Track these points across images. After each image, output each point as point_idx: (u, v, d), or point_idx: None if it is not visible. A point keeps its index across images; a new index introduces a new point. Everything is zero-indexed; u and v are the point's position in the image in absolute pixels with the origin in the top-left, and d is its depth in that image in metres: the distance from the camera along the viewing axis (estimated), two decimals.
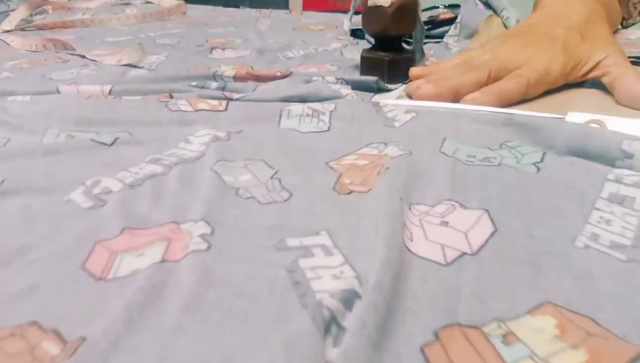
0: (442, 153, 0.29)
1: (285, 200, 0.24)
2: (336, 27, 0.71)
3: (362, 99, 0.38)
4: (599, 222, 0.22)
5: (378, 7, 0.41)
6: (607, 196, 0.24)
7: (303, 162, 0.28)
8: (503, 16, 0.57)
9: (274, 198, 0.24)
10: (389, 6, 0.41)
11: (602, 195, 0.24)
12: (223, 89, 0.39)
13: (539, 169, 0.27)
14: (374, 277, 0.18)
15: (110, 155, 0.29)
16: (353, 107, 0.34)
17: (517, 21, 0.55)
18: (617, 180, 0.25)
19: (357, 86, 0.41)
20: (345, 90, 0.38)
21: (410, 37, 0.47)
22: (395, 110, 0.34)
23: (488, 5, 0.61)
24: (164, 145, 0.29)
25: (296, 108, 0.33)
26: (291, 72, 0.43)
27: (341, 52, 0.55)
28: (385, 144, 0.29)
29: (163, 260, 0.19)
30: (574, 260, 0.20)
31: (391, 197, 0.23)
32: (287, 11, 0.92)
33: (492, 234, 0.22)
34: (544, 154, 0.28)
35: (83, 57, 0.54)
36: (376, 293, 0.17)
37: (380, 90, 0.41)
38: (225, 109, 0.34)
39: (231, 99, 0.35)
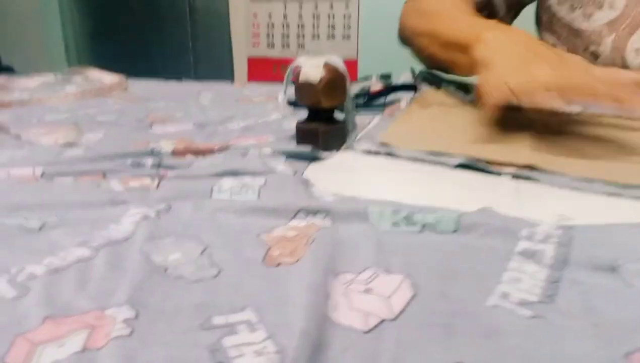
0: (367, 221, 0.30)
1: (214, 277, 0.25)
2: (276, 98, 0.73)
3: (296, 172, 0.39)
4: (509, 280, 0.24)
5: (309, 83, 0.44)
6: (519, 254, 0.26)
7: (233, 237, 0.28)
8: (449, 86, 0.62)
9: (203, 276, 0.25)
10: (319, 82, 0.43)
11: (515, 253, 0.26)
12: (159, 165, 0.40)
13: (456, 231, 0.29)
14: (292, 351, 0.18)
15: (38, 241, 0.28)
16: (283, 182, 0.35)
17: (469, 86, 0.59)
18: (529, 238, 0.27)
19: (292, 156, 0.42)
20: (278, 163, 0.39)
21: (342, 109, 0.49)
22: (322, 187, 0.35)
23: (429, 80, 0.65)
24: (94, 227, 0.29)
25: (227, 183, 0.34)
26: (229, 145, 0.45)
27: (280, 123, 0.57)
28: (313, 214, 0.31)
29: (84, 349, 0.19)
30: (485, 319, 0.21)
31: (316, 268, 0.24)
32: (230, 83, 0.95)
33: (412, 298, 0.23)
34: (459, 215, 0.30)
35: (18, 137, 0.53)
36: None
37: (314, 159, 0.43)
38: (157, 187, 0.34)
39: (164, 177, 0.36)
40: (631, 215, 0.30)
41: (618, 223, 0.28)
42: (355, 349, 0.20)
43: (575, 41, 0.63)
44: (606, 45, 0.60)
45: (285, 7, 1.88)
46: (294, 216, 0.31)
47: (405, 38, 0.70)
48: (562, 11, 0.65)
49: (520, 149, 0.41)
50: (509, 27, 0.55)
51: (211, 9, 2.13)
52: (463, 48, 0.53)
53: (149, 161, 0.40)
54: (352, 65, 1.82)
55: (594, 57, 0.61)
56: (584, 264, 0.25)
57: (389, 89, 0.63)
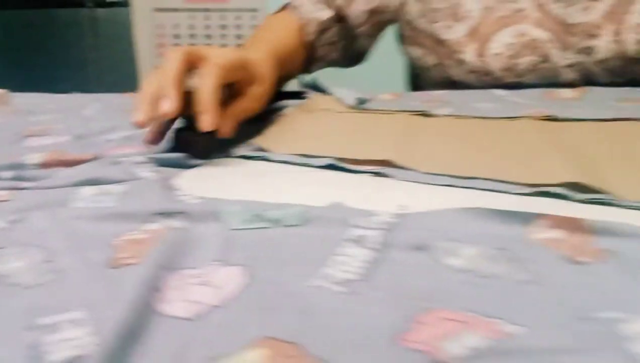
0: (220, 221, 0.32)
1: (52, 281, 0.25)
2: None
3: (165, 178, 0.40)
4: (334, 263, 0.27)
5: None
6: (348, 240, 0.29)
7: (82, 242, 0.29)
8: (335, 94, 0.65)
9: (40, 281, 0.25)
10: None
11: (344, 240, 0.29)
12: (20, 178, 0.39)
13: (300, 225, 0.31)
14: (110, 342, 0.20)
15: None
16: (146, 188, 0.36)
17: (359, 100, 0.62)
18: (360, 226, 0.30)
19: (165, 163, 0.43)
20: (144, 171, 0.40)
21: None
22: (187, 193, 0.36)
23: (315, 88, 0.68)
24: None
25: (86, 191, 0.35)
26: (103, 155, 0.45)
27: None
28: (170, 216, 0.32)
29: None
30: (302, 298, 0.24)
31: (153, 266, 0.25)
32: (121, 94, 0.93)
33: (245, 286, 0.25)
34: (304, 210, 0.32)
35: None
36: (115, 358, 0.19)
37: (187, 166, 0.44)
38: (13, 199, 0.34)
39: (22, 188, 0.36)
40: (464, 203, 0.34)
41: (441, 209, 0.32)
42: (175, 336, 0.21)
43: (441, 50, 0.69)
44: (469, 53, 0.66)
45: (191, 17, 1.86)
46: (149, 219, 0.32)
47: None
48: (423, 24, 0.70)
49: (383, 148, 0.44)
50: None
51: (114, 20, 2.06)
52: None
53: (8, 174, 0.39)
54: None
55: (460, 64, 0.67)
56: (402, 246, 0.28)
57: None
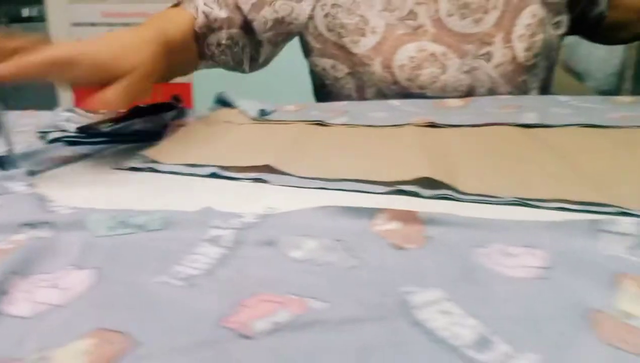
0: (85, 228, 0.33)
1: None
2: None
3: (36, 192, 0.40)
4: (187, 261, 0.29)
5: None
6: (205, 240, 0.31)
7: None
8: (239, 107, 0.67)
9: None
10: None
11: (202, 240, 0.31)
12: None
13: (162, 229, 0.33)
14: None
15: None
16: (16, 201, 0.37)
17: (262, 111, 0.64)
18: (220, 227, 0.33)
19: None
20: (17, 185, 0.41)
21: None
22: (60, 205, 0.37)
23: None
24: None
25: None
26: None
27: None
28: (37, 227, 0.33)
29: None
30: (148, 292, 0.26)
31: (3, 272, 0.27)
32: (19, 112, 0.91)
33: (93, 286, 0.27)
34: (166, 216, 0.34)
35: None
36: None
37: None
38: None
39: None
40: (329, 203, 0.37)
41: (299, 209, 0.35)
42: (13, 332, 0.23)
43: (353, 59, 0.73)
44: (377, 65, 0.71)
45: (108, 29, 1.83)
46: (17, 231, 0.33)
47: None
48: (334, 37, 0.74)
49: (266, 155, 0.47)
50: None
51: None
52: None
53: None
54: (185, 88, 1.83)
55: (371, 74, 0.72)
56: (253, 242, 0.31)
57: (139, 110, 0.63)
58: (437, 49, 0.69)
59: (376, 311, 0.23)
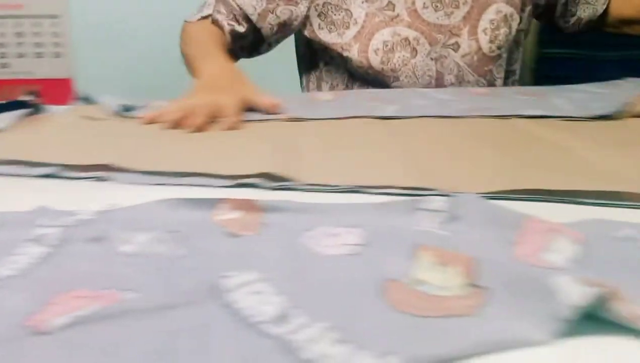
0: None
1: None
2: None
3: None
4: (6, 262, 0.28)
5: None
6: (28, 240, 0.30)
7: None
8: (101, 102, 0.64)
9: None
10: None
11: (24, 239, 0.30)
12: None
13: None
14: None
15: None
16: None
17: (124, 107, 0.63)
18: (43, 226, 0.31)
19: None
20: None
21: None
22: None
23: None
24: None
25: None
26: None
27: None
28: None
29: None
30: None
31: None
32: None
33: None
34: None
35: None
36: None
37: None
38: None
39: None
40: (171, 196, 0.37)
41: (137, 204, 0.35)
42: None
43: (338, 50, 0.80)
44: (354, 51, 0.78)
45: None
46: None
47: (183, 58, 0.81)
48: (323, 34, 0.81)
49: (110, 153, 0.45)
50: (221, 63, 0.72)
51: None
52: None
53: None
54: (65, 84, 1.72)
55: (349, 60, 0.79)
56: (80, 240, 0.30)
57: None
58: (411, 33, 0.76)
59: (188, 297, 0.24)
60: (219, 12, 0.79)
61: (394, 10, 0.76)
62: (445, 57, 0.78)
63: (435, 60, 0.77)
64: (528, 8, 0.83)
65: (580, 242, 0.28)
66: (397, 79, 0.77)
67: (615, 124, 0.56)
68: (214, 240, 0.30)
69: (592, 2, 0.85)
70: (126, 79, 1.64)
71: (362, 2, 0.77)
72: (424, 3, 0.77)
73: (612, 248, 0.28)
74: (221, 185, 0.40)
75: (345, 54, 0.78)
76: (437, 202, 0.33)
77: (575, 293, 0.21)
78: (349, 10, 0.78)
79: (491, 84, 0.80)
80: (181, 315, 0.23)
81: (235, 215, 0.34)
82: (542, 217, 0.31)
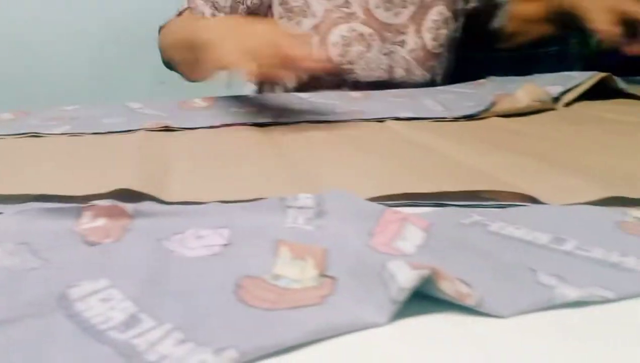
0: None
1: None
2: None
3: None
4: None
5: None
6: None
7: None
8: None
9: None
10: None
11: None
12: None
13: None
14: None
15: None
16: None
17: None
18: None
19: None
20: None
21: None
22: None
23: None
24: None
25: None
26: None
27: None
28: None
29: None
30: None
31: None
32: None
33: None
34: None
35: None
36: None
37: None
38: None
39: None
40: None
41: None
42: None
43: None
44: (314, 43, 0.82)
45: None
46: None
47: (168, 60, 0.78)
48: (284, 22, 0.84)
49: None
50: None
51: None
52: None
53: None
54: None
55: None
56: None
57: None
58: (365, 30, 0.83)
59: (34, 309, 0.23)
60: (194, 2, 0.78)
61: (349, 7, 0.83)
62: (394, 52, 0.85)
63: (386, 55, 0.85)
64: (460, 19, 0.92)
65: (427, 229, 0.30)
66: (352, 71, 0.83)
67: (479, 124, 0.61)
68: (71, 250, 0.29)
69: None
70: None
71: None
72: (376, 3, 0.84)
73: (458, 233, 0.31)
74: (71, 206, 0.34)
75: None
76: (305, 200, 0.34)
77: (403, 276, 0.23)
78: (307, 1, 0.83)
79: (433, 79, 0.89)
80: (22, 328, 0.22)
81: (99, 223, 0.33)
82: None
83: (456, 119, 0.62)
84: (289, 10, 0.84)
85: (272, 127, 0.59)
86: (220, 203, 0.35)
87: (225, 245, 0.29)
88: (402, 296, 0.23)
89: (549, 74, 0.80)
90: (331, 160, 0.47)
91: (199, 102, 0.70)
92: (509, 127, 0.58)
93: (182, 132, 0.57)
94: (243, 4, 0.82)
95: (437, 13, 0.88)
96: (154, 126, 0.58)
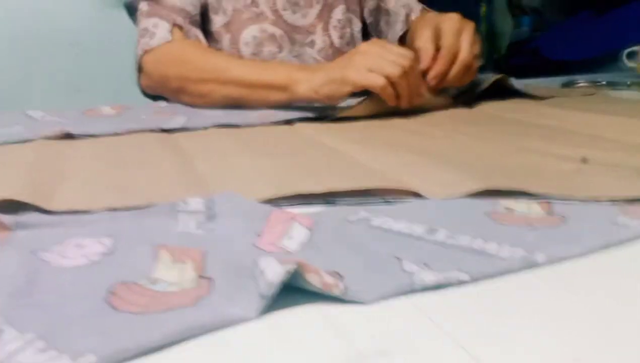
0: None
1: None
2: None
3: None
4: None
5: None
6: None
7: None
8: None
9: None
10: None
11: None
12: None
13: None
14: None
15: None
16: None
17: None
18: None
19: None
20: None
21: None
22: None
23: None
24: None
25: None
26: None
27: None
28: None
29: None
30: None
31: None
32: None
33: None
34: None
35: None
36: None
37: None
38: None
39: None
40: None
41: None
42: None
43: (212, 35, 0.83)
44: (226, 41, 0.83)
45: None
46: None
47: (163, 86, 0.75)
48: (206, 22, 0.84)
49: None
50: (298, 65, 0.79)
51: None
52: (279, 87, 0.67)
53: None
54: None
55: (220, 49, 0.83)
56: None
57: None
58: (276, 31, 0.84)
59: None
60: (178, 21, 0.77)
61: (258, 7, 0.83)
62: (304, 54, 0.87)
63: (297, 57, 0.87)
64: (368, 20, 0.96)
65: (311, 227, 0.31)
66: None
67: (382, 124, 0.63)
68: None
69: (392, 24, 0.95)
70: None
71: None
72: (283, 5, 0.84)
73: (341, 229, 0.32)
74: None
75: (216, 45, 0.83)
76: (195, 204, 0.35)
77: (271, 272, 0.23)
78: None
79: None
80: None
81: None
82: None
83: (365, 119, 0.64)
84: (204, 4, 0.83)
85: (180, 133, 0.59)
86: (108, 212, 0.35)
87: (106, 253, 0.29)
88: (271, 291, 0.23)
89: None
90: (232, 164, 0.47)
91: (107, 110, 0.69)
92: (409, 128, 0.61)
93: (84, 140, 0.56)
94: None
95: (341, 12, 0.90)
96: (54, 134, 0.56)
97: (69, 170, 0.45)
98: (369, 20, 0.96)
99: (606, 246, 0.30)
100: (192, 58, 0.73)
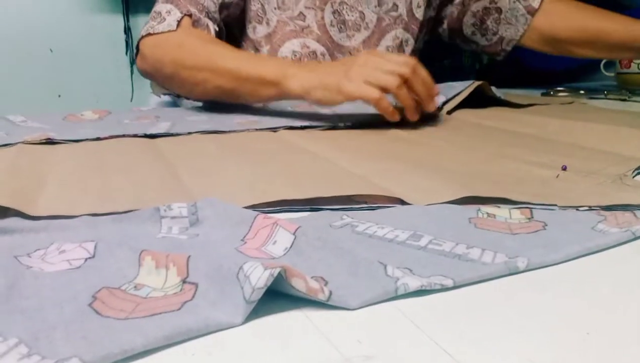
0: None
1: None
2: None
3: None
4: None
5: None
6: None
7: None
8: None
9: None
10: None
11: None
12: None
13: None
14: None
15: None
16: None
17: None
18: None
19: None
20: None
21: None
22: None
23: None
24: None
25: None
26: None
27: None
28: None
29: None
30: None
31: None
32: None
33: None
34: None
35: None
36: None
37: None
38: None
39: None
40: None
41: None
42: None
43: (247, 45, 0.85)
44: (265, 52, 0.83)
45: None
46: None
47: (158, 71, 0.72)
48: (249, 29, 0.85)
49: None
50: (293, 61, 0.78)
51: None
52: (270, 82, 0.64)
53: None
54: None
55: None
56: None
57: None
58: (318, 47, 0.83)
59: None
60: (193, 13, 0.74)
61: (304, 20, 0.82)
62: None
63: None
64: (424, 30, 0.95)
65: (296, 232, 0.32)
66: None
67: (366, 132, 0.64)
68: None
69: (513, 22, 0.95)
70: None
71: (275, 9, 0.82)
72: (331, 21, 0.83)
73: (326, 235, 0.32)
74: None
75: (257, 51, 0.83)
76: (179, 209, 0.34)
77: (255, 277, 0.23)
78: (264, 7, 0.82)
79: None
80: None
81: None
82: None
83: (349, 127, 0.64)
84: (248, 9, 0.83)
85: (163, 139, 0.58)
86: (91, 217, 0.34)
87: (88, 258, 0.29)
88: (256, 296, 0.23)
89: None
90: (215, 170, 0.47)
91: (89, 115, 0.68)
92: (391, 135, 0.62)
93: (65, 145, 0.55)
94: (227, 9, 0.80)
95: (392, 38, 0.88)
96: (35, 139, 0.55)
97: (51, 175, 0.44)
98: (471, 21, 0.97)
99: (586, 252, 0.30)
100: (190, 45, 0.71)
